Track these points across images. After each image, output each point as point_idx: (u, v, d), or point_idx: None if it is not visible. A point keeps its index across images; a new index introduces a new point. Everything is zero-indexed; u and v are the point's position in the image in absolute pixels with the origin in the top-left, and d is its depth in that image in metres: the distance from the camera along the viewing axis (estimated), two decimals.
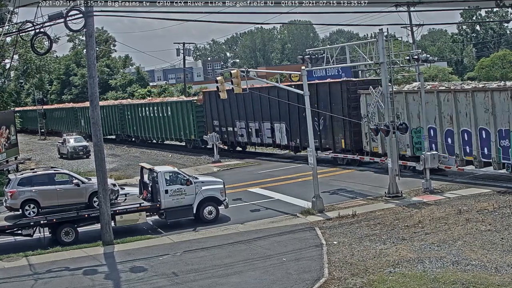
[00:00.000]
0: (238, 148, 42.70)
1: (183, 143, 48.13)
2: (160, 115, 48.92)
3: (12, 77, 65.67)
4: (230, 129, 41.62)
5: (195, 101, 45.52)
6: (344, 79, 33.80)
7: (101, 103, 62.75)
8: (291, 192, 26.72)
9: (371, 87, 25.84)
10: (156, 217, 23.08)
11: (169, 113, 47.59)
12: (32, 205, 20.65)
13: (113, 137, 59.69)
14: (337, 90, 32.23)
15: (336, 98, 32.18)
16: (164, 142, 51.57)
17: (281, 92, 34.39)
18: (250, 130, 39.46)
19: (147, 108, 51.55)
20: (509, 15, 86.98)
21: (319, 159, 29.12)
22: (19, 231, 20.59)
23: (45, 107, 76.18)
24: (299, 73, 24.85)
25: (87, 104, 63.28)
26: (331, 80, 34.89)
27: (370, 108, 28.84)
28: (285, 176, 31.03)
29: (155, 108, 50.20)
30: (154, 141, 53.29)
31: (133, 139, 56.46)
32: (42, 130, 72.53)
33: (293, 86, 28.64)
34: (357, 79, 34.35)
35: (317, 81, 36.33)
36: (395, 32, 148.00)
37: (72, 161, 43.81)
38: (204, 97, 44.31)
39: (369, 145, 30.65)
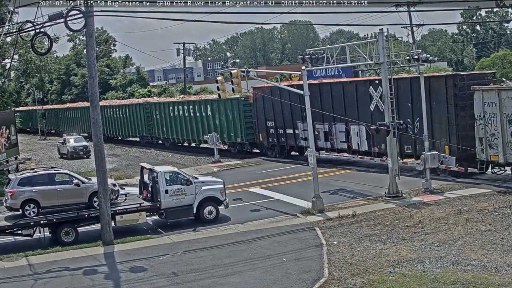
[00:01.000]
0: (294, 153, 37.40)
1: (225, 147, 42.45)
2: (198, 114, 43.48)
3: (12, 77, 65.69)
4: (289, 131, 36.18)
5: (242, 98, 39.01)
6: (449, 73, 29.76)
7: (124, 101, 60.55)
8: (291, 192, 26.71)
9: (261, 91, 25.75)
10: (156, 217, 23.08)
11: (209, 112, 42.31)
12: (32, 205, 20.64)
13: (137, 139, 55.23)
14: (439, 86, 27.04)
15: (438, 96, 26.97)
16: (201, 146, 45.81)
17: (360, 87, 30.67)
18: (317, 132, 32.46)
19: (180, 107, 45.99)
20: (509, 15, 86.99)
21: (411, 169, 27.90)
22: (19, 231, 20.59)
23: (58, 106, 74.14)
24: (299, 73, 24.85)
25: (107, 102, 61.62)
26: (433, 74, 30.46)
27: (489, 108, 24.56)
28: (285, 176, 31.02)
29: (191, 107, 44.52)
30: (188, 144, 47.80)
31: (161, 141, 50.98)
32: (43, 130, 72.55)
33: (376, 81, 27.38)
34: (466, 72, 30.32)
35: (412, 75, 31.83)
36: (395, 32, 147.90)
37: (72, 161, 43.83)
38: (255, 94, 38.04)
39: (485, 152, 25.10)
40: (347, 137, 32.02)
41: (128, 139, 57.96)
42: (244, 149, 40.46)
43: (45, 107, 77.29)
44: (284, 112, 36.21)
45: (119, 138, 58.98)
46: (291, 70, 67.89)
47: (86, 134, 57.20)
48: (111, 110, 58.40)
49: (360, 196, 24.89)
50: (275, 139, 37.58)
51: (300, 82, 28.75)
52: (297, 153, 37.33)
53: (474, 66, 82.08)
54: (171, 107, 47.23)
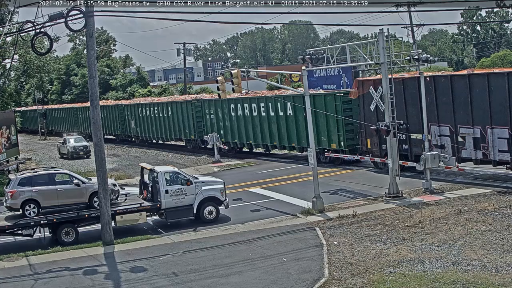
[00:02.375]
0: (412, 164, 26.89)
1: (304, 153, 34.11)
2: (272, 113, 36.39)
3: (13, 77, 65.73)
4: (416, 136, 27.15)
5: (341, 94, 32.04)
6: None
7: (163, 99, 53.94)
8: (292, 192, 26.71)
9: (371, 86, 25.39)
10: (156, 217, 23.09)
11: (290, 112, 35.03)
12: (32, 205, 20.65)
13: (182, 143, 48.03)
14: None
15: None
16: (294, 152, 37.59)
17: None
18: (461, 138, 25.82)
19: (245, 105, 38.76)
20: (509, 15, 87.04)
21: None
22: (19, 231, 20.60)
23: (73, 105, 70.45)
24: (300, 73, 24.85)
25: (138, 100, 57.38)
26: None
27: None
28: (286, 176, 31.02)
29: (262, 104, 37.06)
30: (262, 149, 39.46)
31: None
32: (43, 130, 72.57)
33: None
34: None
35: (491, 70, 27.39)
36: (396, 32, 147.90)
37: (73, 161, 43.85)
38: (363, 89, 30.23)
39: None
40: (510, 146, 24.00)
41: (170, 142, 51.09)
42: (340, 158, 32.41)
43: (46, 107, 77.35)
44: (410, 112, 27.61)
45: (158, 141, 52.25)
46: (292, 70, 68.10)
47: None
48: (148, 108, 51.39)
49: (360, 196, 24.89)
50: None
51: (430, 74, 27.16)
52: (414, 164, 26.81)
53: (475, 66, 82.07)
54: (232, 105, 40.10)
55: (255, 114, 37.98)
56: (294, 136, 35.08)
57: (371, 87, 29.35)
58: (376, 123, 26.48)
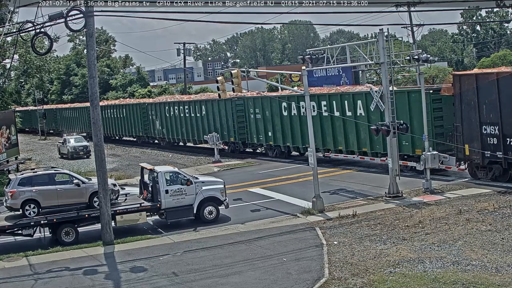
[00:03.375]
0: None
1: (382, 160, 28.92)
2: (349, 112, 30.74)
3: (13, 77, 65.72)
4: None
5: (431, 91, 27.30)
6: None
7: (194, 97, 47.16)
8: (292, 192, 26.71)
9: (371, 86, 25.39)
10: (157, 217, 23.09)
11: (360, 111, 30.26)
12: (32, 205, 20.65)
13: (224, 147, 42.02)
14: None
15: None
16: (373, 159, 30.49)
17: None
18: None
19: (302, 103, 29.71)
20: (509, 15, 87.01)
21: None
22: (20, 231, 20.60)
23: (87, 104, 69.32)
24: (300, 73, 24.86)
25: (163, 98, 52.05)
26: None
27: None
28: (286, 176, 31.01)
29: (333, 103, 32.02)
30: (338, 155, 32.91)
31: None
32: (43, 130, 72.52)
33: None
34: None
35: None
36: (396, 32, 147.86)
37: (73, 161, 43.84)
38: (461, 84, 25.56)
39: None
40: None
41: (202, 145, 44.67)
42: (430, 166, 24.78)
43: (46, 107, 77.08)
44: (505, 113, 23.92)
45: (186, 143, 46.67)
46: (292, 70, 68.04)
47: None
48: (176, 107, 46.37)
49: (360, 196, 24.89)
50: (498, 153, 24.09)
51: None
52: None
53: (475, 66, 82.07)
54: (284, 104, 35.45)
55: (314, 113, 29.86)
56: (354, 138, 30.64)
57: (474, 82, 24.97)
58: (479, 125, 24.52)
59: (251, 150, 41.14)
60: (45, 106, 77.39)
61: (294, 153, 37.11)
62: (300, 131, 34.49)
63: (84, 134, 57.35)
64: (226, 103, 40.35)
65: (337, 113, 31.85)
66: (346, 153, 32.10)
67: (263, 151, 39.53)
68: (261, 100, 37.77)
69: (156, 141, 52.19)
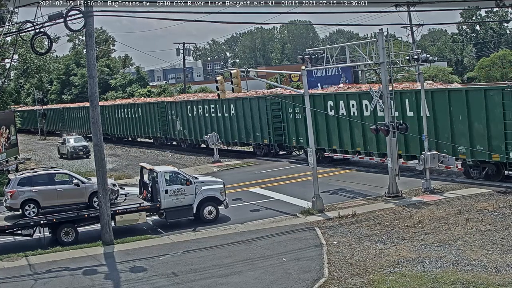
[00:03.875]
0: None
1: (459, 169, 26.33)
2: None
3: (12, 77, 65.62)
4: None
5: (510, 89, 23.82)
6: None
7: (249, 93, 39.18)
8: (291, 192, 26.71)
9: (370, 86, 25.44)
10: (156, 217, 23.09)
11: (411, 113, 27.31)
12: (32, 205, 20.65)
13: (248, 148, 40.75)
14: None
15: None
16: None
17: None
18: None
19: (353, 102, 30.39)
20: (509, 15, 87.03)
21: None
22: (19, 231, 20.59)
23: (102, 103, 61.44)
24: (299, 73, 24.86)
25: (184, 97, 48.93)
26: None
27: None
28: (285, 176, 31.01)
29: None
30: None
31: (211, 144, 37.80)
32: (43, 130, 72.47)
33: None
34: None
35: None
36: (395, 32, 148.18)
37: (72, 161, 43.82)
38: None
39: None
40: None
41: (232, 147, 42.53)
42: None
43: (52, 106, 76.75)
44: None
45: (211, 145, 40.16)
46: (291, 70, 68.04)
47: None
48: (200, 106, 43.22)
49: (360, 196, 24.89)
50: None
51: None
52: None
53: (474, 66, 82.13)
54: (331, 102, 31.62)
55: (366, 113, 28.48)
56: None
57: None
58: None
59: (298, 154, 37.26)
60: (51, 106, 77.12)
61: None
62: (338, 132, 31.72)
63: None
64: (260, 102, 37.52)
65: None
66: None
67: (301, 154, 36.38)
68: (303, 99, 28.51)
69: (175, 143, 49.12)
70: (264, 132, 37.55)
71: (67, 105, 74.58)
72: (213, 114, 42.02)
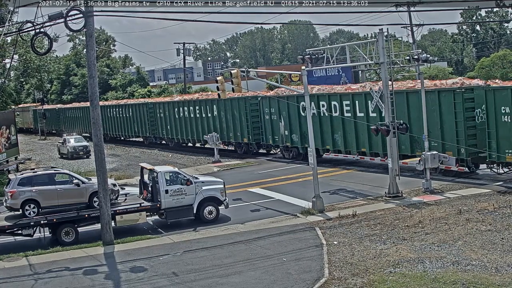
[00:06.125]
0: None
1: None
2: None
3: (12, 77, 65.58)
4: None
5: None
6: None
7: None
8: (291, 192, 26.71)
9: (371, 86, 25.40)
10: (156, 217, 23.09)
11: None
12: (32, 205, 20.65)
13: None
14: None
15: None
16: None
17: None
18: None
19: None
20: (509, 15, 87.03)
21: None
22: (19, 231, 20.59)
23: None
24: (299, 73, 24.86)
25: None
26: None
27: None
28: (285, 176, 31.01)
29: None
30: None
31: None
32: (43, 130, 72.39)
33: None
34: None
35: None
36: (395, 32, 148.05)
37: (73, 161, 43.82)
38: None
39: None
40: None
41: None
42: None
43: (58, 106, 76.34)
44: None
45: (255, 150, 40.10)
46: (291, 70, 68.04)
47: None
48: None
49: (360, 196, 24.89)
50: None
51: None
52: None
53: (474, 66, 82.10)
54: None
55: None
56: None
57: None
58: None
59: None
60: (58, 106, 76.55)
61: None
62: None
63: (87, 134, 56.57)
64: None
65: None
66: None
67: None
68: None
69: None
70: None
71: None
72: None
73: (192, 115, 44.78)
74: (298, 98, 32.87)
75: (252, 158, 38.94)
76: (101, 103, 61.29)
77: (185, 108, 45.67)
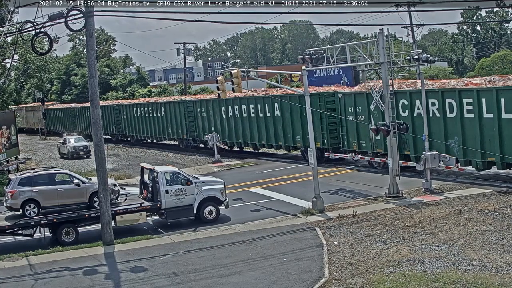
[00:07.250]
0: None
1: None
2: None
3: (12, 77, 65.53)
4: None
5: None
6: None
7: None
8: (292, 192, 26.71)
9: (371, 86, 25.39)
10: (157, 217, 23.09)
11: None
12: (32, 205, 20.66)
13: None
14: None
15: None
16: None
17: None
18: None
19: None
20: (509, 15, 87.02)
21: None
22: (20, 231, 20.60)
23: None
24: (300, 73, 24.85)
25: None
26: None
27: None
28: (286, 176, 31.01)
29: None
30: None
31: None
32: (43, 130, 72.30)
33: None
34: None
35: None
36: (396, 32, 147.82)
37: (73, 161, 43.83)
38: None
39: None
40: None
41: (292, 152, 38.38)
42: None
43: (64, 105, 76.10)
44: None
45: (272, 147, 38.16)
46: (291, 70, 68.12)
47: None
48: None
49: (361, 196, 24.89)
50: None
51: None
52: None
53: (474, 66, 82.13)
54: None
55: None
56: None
57: None
58: None
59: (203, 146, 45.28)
60: (73, 104, 75.76)
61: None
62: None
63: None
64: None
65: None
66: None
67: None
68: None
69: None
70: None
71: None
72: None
73: (147, 115, 49.13)
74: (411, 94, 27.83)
75: (253, 158, 38.95)
76: (127, 101, 63.18)
77: (236, 107, 39.88)
